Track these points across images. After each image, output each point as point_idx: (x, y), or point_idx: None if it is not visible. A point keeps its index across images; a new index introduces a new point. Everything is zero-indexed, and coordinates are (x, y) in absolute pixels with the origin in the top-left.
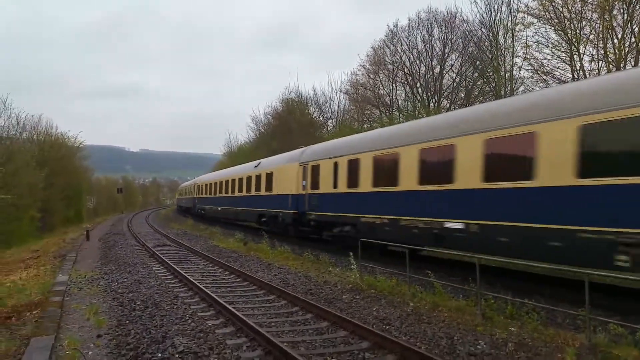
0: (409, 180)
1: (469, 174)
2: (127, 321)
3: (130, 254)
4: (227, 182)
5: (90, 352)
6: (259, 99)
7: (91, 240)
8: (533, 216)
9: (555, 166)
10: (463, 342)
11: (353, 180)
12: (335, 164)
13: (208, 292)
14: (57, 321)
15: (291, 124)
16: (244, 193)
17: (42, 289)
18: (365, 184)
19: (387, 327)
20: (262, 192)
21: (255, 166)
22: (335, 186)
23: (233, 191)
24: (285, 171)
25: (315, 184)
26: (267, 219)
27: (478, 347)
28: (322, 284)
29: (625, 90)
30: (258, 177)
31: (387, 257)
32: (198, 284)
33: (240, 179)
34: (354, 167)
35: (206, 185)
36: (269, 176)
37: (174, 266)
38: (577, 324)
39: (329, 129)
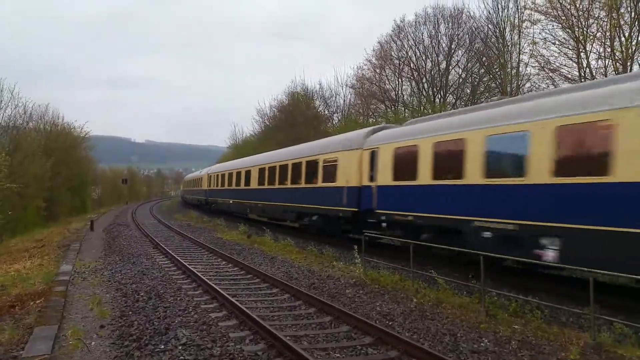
0: (218, 184)
1: (234, 183)
2: (130, 312)
3: (134, 245)
4: (194, 180)
5: (93, 343)
6: (265, 92)
7: (95, 230)
8: (240, 198)
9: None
10: (466, 339)
11: (222, 183)
12: (215, 176)
13: (211, 284)
14: (61, 311)
15: (297, 117)
16: (198, 187)
17: (46, 278)
18: (221, 185)
19: (390, 323)
20: (201, 187)
21: (200, 172)
22: (216, 185)
23: (194, 186)
24: (203, 177)
25: (210, 184)
26: (201, 201)
27: (481, 344)
28: (326, 278)
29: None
30: (199, 179)
31: (390, 252)
32: (201, 276)
33: (196, 179)
34: (220, 177)
35: (187, 181)
36: (202, 179)
37: (178, 258)
38: (582, 322)
39: (334, 122)
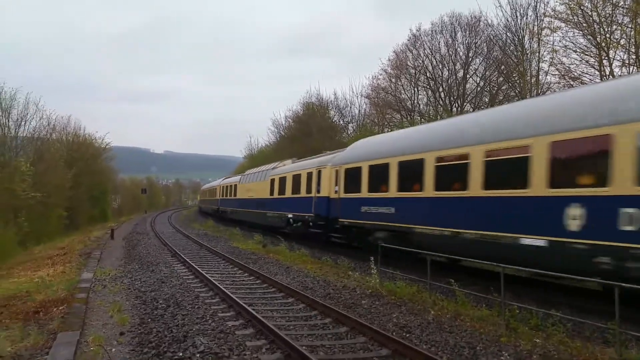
0: (204, 197)
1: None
2: (149, 319)
3: (153, 253)
4: (200, 193)
5: (113, 349)
6: (281, 103)
7: (115, 239)
8: (210, 205)
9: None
10: (486, 352)
11: (204, 195)
12: (203, 191)
13: (228, 293)
14: (82, 317)
15: (311, 127)
16: (200, 199)
17: (68, 285)
18: (203, 197)
19: (408, 335)
20: (199, 199)
21: (205, 186)
22: (203, 197)
23: (199, 197)
24: (200, 193)
25: (200, 197)
26: (199, 207)
27: (502, 358)
28: (341, 288)
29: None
30: (199, 193)
31: (407, 263)
32: (218, 284)
33: (199, 193)
34: (204, 193)
35: (201, 193)
36: (199, 194)
37: (195, 266)
38: (606, 337)
39: (349, 132)
